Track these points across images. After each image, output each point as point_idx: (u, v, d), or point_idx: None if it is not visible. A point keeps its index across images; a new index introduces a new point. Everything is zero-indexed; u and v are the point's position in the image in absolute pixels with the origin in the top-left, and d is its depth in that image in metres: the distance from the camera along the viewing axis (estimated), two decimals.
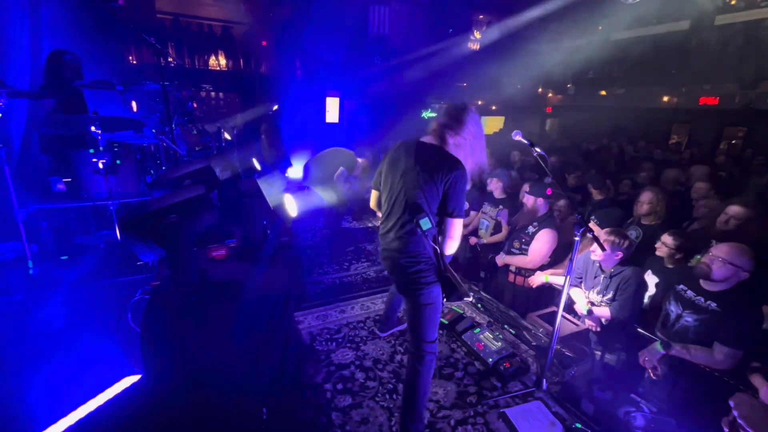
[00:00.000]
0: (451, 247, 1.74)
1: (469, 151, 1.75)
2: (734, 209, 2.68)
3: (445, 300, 1.77)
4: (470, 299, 2.98)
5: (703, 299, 2.08)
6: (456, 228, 1.70)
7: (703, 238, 2.77)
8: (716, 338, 1.98)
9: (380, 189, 1.90)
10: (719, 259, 1.98)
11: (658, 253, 2.60)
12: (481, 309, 3.08)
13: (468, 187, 1.75)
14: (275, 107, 6.08)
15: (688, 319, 2.12)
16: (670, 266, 2.59)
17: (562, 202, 3.39)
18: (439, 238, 1.69)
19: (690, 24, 9.95)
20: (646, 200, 3.03)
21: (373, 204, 2.03)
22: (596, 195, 3.81)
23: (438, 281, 1.73)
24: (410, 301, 1.76)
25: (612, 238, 2.43)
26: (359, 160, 4.18)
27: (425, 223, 1.63)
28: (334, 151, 4.27)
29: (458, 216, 1.68)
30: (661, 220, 3.02)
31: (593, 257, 2.58)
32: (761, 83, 9.07)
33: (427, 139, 1.78)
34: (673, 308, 2.24)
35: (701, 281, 2.11)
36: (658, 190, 3.10)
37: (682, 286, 2.22)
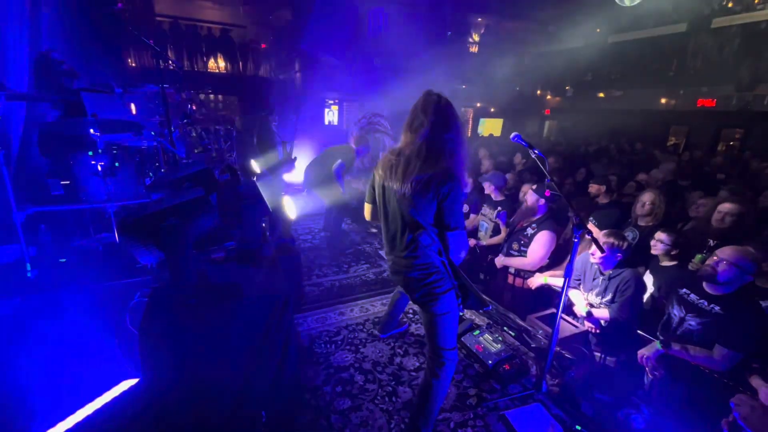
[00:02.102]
0: (459, 258, 1.68)
1: (460, 148, 1.62)
2: (726, 206, 2.70)
3: (461, 307, 1.74)
4: (489, 309, 2.91)
5: (706, 302, 2.06)
6: (459, 241, 1.62)
7: (699, 237, 2.78)
8: (718, 341, 1.97)
9: (374, 202, 1.86)
10: (724, 262, 1.97)
11: (653, 251, 2.60)
12: (481, 311, 3.08)
13: (468, 189, 1.69)
14: (262, 113, 6.13)
15: (692, 323, 2.11)
16: (665, 264, 2.59)
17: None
18: (444, 251, 1.64)
19: (687, 26, 10.01)
20: (648, 200, 3.03)
21: (368, 216, 2.00)
22: (602, 198, 3.77)
23: (452, 289, 1.70)
24: (426, 312, 1.74)
25: (610, 240, 2.43)
26: (352, 146, 4.17)
27: (425, 240, 1.61)
28: (330, 150, 4.27)
29: (458, 227, 1.59)
30: (658, 222, 3.03)
31: (592, 260, 2.58)
32: (758, 85, 9.12)
33: (413, 149, 1.62)
34: (676, 312, 2.21)
35: (705, 284, 2.10)
36: (659, 191, 3.10)
37: (685, 290, 2.20)
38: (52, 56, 3.00)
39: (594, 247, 2.47)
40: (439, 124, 1.57)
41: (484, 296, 3.19)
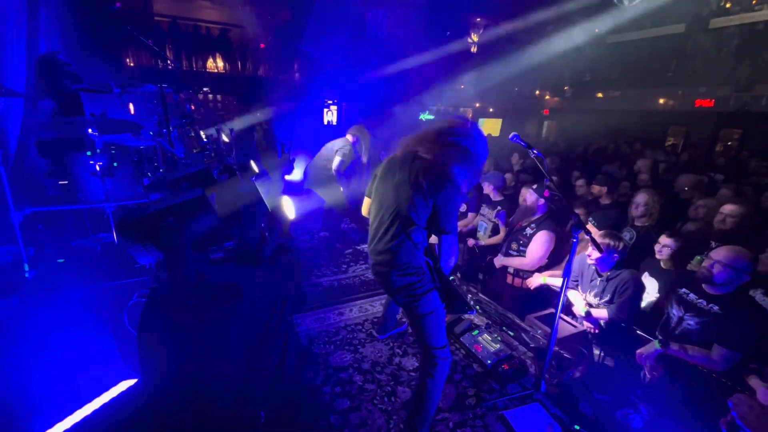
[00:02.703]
0: (449, 265, 1.73)
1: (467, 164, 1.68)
2: (729, 208, 2.70)
3: (446, 311, 1.76)
4: (474, 313, 2.94)
5: (705, 302, 2.07)
6: (452, 245, 1.68)
7: (701, 239, 2.78)
8: (717, 340, 1.97)
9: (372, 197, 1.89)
10: (719, 263, 1.97)
11: (658, 255, 2.60)
12: (480, 311, 3.08)
13: (467, 190, 1.72)
14: (259, 113, 6.08)
15: (690, 322, 2.11)
16: (667, 268, 2.59)
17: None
18: (430, 252, 1.69)
19: (685, 27, 10.04)
20: (642, 202, 3.03)
21: (364, 211, 2.02)
22: (604, 199, 3.76)
23: (434, 288, 1.72)
24: (411, 313, 1.75)
25: (606, 240, 2.43)
26: (349, 137, 4.17)
27: (417, 237, 1.64)
28: (327, 147, 4.27)
29: (452, 232, 1.65)
30: (654, 222, 3.03)
31: (588, 261, 2.58)
32: (756, 86, 9.15)
33: (422, 151, 1.71)
34: (675, 312, 2.22)
35: (703, 284, 2.10)
36: (653, 192, 3.11)
37: (684, 290, 2.20)
38: (59, 58, 2.98)
39: (590, 248, 2.47)
40: (452, 147, 1.63)
41: (483, 296, 3.20)
